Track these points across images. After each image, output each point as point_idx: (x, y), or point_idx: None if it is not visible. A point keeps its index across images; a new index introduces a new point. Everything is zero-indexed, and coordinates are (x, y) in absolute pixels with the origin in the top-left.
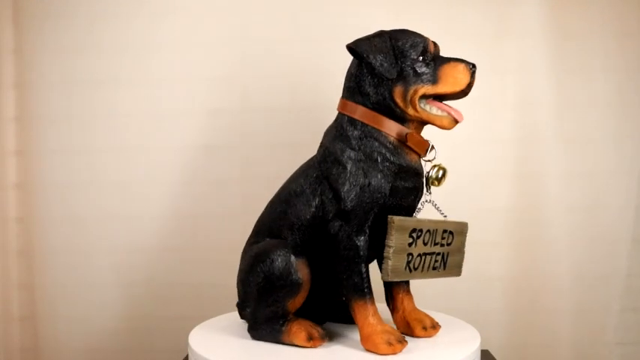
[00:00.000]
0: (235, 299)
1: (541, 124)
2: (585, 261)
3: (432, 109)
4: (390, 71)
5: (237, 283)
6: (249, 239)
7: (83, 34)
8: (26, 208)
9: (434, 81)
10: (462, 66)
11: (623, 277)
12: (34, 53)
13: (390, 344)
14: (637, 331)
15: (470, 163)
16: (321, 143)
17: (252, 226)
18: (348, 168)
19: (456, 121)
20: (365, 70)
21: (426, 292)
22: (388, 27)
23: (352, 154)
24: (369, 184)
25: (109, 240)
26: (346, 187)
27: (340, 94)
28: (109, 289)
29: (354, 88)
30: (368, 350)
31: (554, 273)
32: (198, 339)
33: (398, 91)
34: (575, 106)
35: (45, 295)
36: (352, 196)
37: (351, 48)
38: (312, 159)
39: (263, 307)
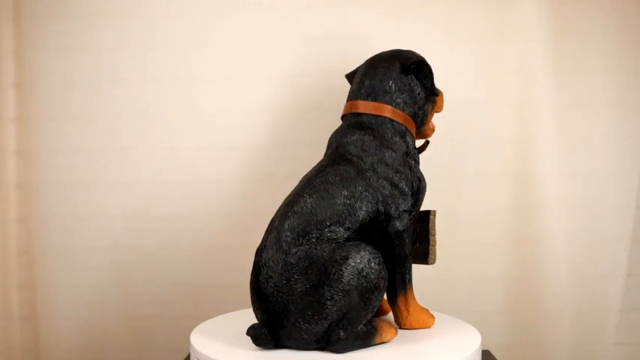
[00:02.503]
0: (236, 298)
1: (541, 124)
2: (585, 261)
3: (428, 124)
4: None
5: (300, 300)
6: (285, 246)
7: (83, 34)
8: (26, 208)
9: (435, 103)
10: (442, 93)
11: (623, 277)
12: (34, 53)
13: (432, 316)
14: (637, 331)
15: (470, 163)
16: (355, 147)
17: (252, 225)
18: (413, 170)
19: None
20: (415, 84)
21: (426, 292)
22: (389, 27)
23: (410, 158)
24: (425, 184)
25: (109, 240)
26: (415, 187)
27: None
28: (109, 289)
29: (397, 96)
30: (416, 328)
31: (554, 273)
32: (200, 338)
33: (429, 108)
34: (575, 106)
35: (45, 295)
36: (419, 194)
37: (422, 62)
38: (341, 160)
39: (364, 313)
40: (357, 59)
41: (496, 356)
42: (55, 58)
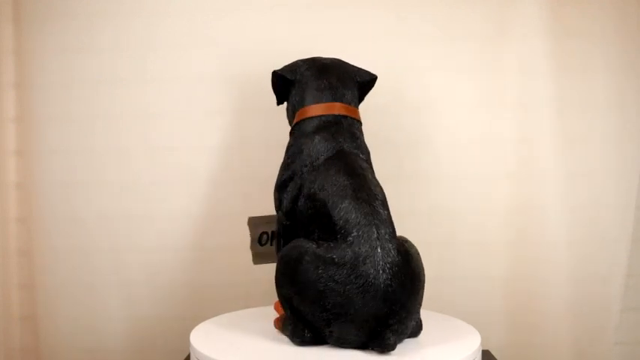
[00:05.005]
0: (236, 299)
1: (541, 124)
2: (585, 261)
3: None
4: None
5: (417, 294)
6: (396, 246)
7: (83, 34)
8: (26, 208)
9: None
10: None
11: (623, 277)
12: (34, 53)
13: None
14: (637, 331)
15: (470, 163)
16: (363, 148)
17: None
18: None
19: None
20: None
21: (426, 292)
22: (388, 27)
23: None
24: None
25: (110, 240)
26: None
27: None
28: (109, 289)
29: (357, 104)
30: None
31: (554, 273)
32: (200, 338)
33: None
34: (575, 106)
35: (45, 295)
36: None
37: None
38: (361, 161)
39: None
40: (358, 59)
41: (496, 356)
42: (55, 58)
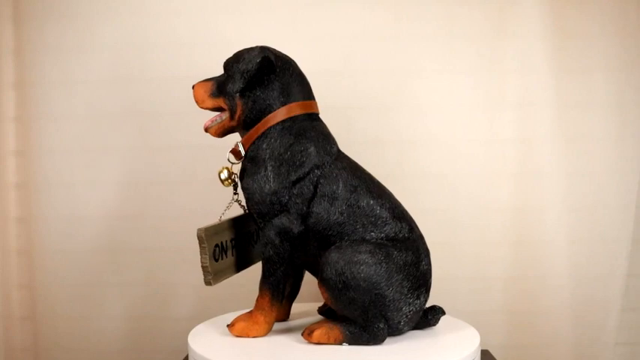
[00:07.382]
0: (235, 299)
1: (541, 124)
2: (585, 261)
3: None
4: None
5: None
6: None
7: (83, 33)
8: (26, 208)
9: None
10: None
11: (623, 277)
12: (34, 53)
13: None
14: (637, 331)
15: (470, 163)
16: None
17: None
18: None
19: None
20: None
21: None
22: (388, 28)
23: None
24: None
25: (109, 240)
26: None
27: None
28: (109, 289)
29: None
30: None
31: (554, 273)
32: (198, 339)
33: None
34: (575, 106)
35: (45, 295)
36: None
37: None
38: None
39: None
40: (359, 59)
41: (495, 356)
42: (55, 58)
